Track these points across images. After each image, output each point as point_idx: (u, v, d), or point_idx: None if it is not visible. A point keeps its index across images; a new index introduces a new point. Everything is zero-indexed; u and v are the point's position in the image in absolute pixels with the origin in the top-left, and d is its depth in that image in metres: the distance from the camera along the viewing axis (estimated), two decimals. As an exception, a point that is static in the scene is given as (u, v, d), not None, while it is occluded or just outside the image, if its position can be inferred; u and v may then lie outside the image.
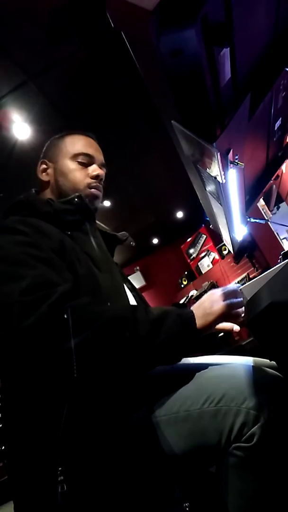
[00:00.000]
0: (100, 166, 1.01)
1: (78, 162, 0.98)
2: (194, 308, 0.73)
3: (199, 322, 0.70)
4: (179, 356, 0.69)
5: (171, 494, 0.60)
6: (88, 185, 0.97)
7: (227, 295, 0.73)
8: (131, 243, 1.08)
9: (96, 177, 0.98)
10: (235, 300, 0.73)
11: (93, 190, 0.98)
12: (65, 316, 0.62)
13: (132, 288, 1.00)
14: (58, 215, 0.87)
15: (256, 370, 0.68)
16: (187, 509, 0.59)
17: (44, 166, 1.00)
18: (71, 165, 0.97)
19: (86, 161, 0.98)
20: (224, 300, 0.73)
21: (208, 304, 0.72)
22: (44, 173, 1.00)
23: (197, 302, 0.74)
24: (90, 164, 0.99)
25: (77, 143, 1.00)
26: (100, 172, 0.99)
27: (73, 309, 0.64)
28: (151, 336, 0.65)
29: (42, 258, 0.72)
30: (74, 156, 0.98)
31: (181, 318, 0.68)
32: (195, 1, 0.82)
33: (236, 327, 0.84)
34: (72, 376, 0.61)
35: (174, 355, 0.68)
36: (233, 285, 0.78)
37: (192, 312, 0.71)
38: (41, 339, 0.61)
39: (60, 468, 0.60)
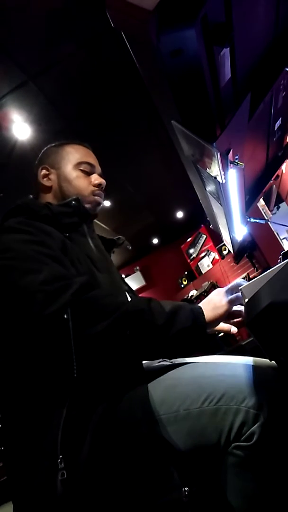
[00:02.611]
0: (100, 175, 1.06)
1: (81, 170, 1.02)
2: (203, 303, 0.78)
3: (208, 315, 0.74)
4: (189, 349, 0.72)
5: (170, 480, 0.60)
6: (92, 192, 1.02)
7: (232, 291, 0.80)
8: (128, 246, 1.10)
9: (98, 185, 1.03)
10: (240, 294, 0.77)
11: (96, 197, 1.03)
12: (89, 304, 0.67)
13: (130, 290, 1.02)
14: (56, 217, 0.88)
15: (256, 369, 0.68)
16: (186, 493, 0.59)
17: (45, 171, 1.02)
18: (74, 172, 1.01)
19: (88, 169, 1.03)
20: (230, 295, 0.79)
21: (218, 299, 0.78)
22: (45, 179, 1.02)
23: (206, 298, 0.80)
24: (91, 172, 1.04)
25: (78, 152, 1.04)
26: (102, 181, 1.04)
27: (95, 298, 0.68)
28: (165, 328, 0.68)
29: (51, 255, 0.75)
30: (78, 164, 1.02)
31: (193, 312, 0.72)
32: (195, 1, 0.82)
33: (234, 329, 0.85)
34: (92, 362, 0.65)
35: (185, 348, 0.72)
36: (238, 280, 0.82)
37: (201, 307, 0.75)
38: (65, 326, 0.63)
39: (61, 456, 0.61)
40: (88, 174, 1.03)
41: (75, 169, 1.01)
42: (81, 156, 1.03)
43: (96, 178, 1.03)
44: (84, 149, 1.06)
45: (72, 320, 0.64)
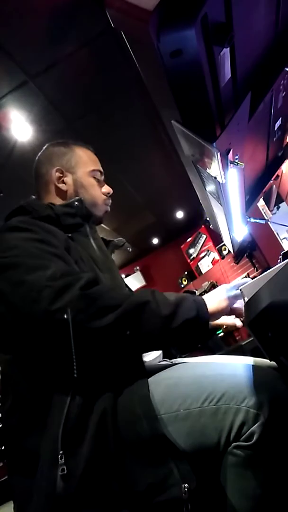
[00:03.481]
0: (107, 183, 1.08)
1: (94, 178, 1.03)
2: (207, 296, 0.78)
3: (211, 307, 0.75)
4: (191, 340, 0.73)
5: (170, 476, 0.61)
6: (104, 201, 1.05)
7: (238, 287, 0.81)
8: (128, 248, 1.11)
9: (108, 194, 1.06)
10: None
11: (107, 206, 1.06)
12: (96, 298, 0.68)
13: (130, 292, 1.02)
14: (59, 218, 0.88)
15: (256, 369, 0.68)
16: (186, 489, 0.59)
17: (59, 174, 1.01)
18: (90, 180, 1.03)
19: (99, 177, 1.05)
20: (236, 289, 0.80)
21: (221, 293, 0.79)
22: (60, 181, 1.00)
23: (211, 292, 0.81)
24: (101, 180, 1.07)
25: (90, 158, 1.05)
26: (111, 190, 1.07)
27: (102, 292, 0.70)
28: (170, 318, 0.69)
29: (55, 253, 0.76)
30: (92, 172, 1.03)
31: (196, 303, 0.73)
32: (195, 1, 0.82)
33: (239, 323, 0.86)
34: (100, 354, 0.67)
35: (187, 338, 0.72)
36: (242, 280, 0.83)
37: (203, 299, 0.76)
38: (73, 320, 0.64)
39: (61, 451, 0.61)
40: (99, 182, 1.05)
41: (90, 176, 1.02)
42: (93, 163, 1.05)
43: (106, 188, 1.06)
44: (92, 155, 1.07)
45: (79, 314, 0.65)
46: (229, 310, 0.79)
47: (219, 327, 0.92)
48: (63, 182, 1.00)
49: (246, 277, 4.41)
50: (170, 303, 0.70)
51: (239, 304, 0.83)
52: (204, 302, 0.75)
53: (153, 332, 0.69)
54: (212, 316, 0.75)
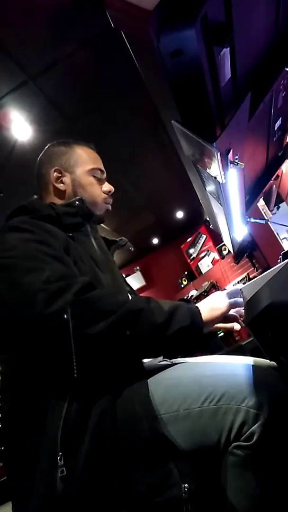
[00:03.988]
0: (108, 181, 1.07)
1: (94, 177, 1.02)
2: (201, 304, 0.78)
3: (206, 315, 0.75)
4: (186, 347, 0.73)
5: (170, 476, 0.61)
6: (104, 200, 1.04)
7: (231, 295, 0.80)
8: (130, 248, 1.10)
9: (108, 192, 1.05)
10: (239, 299, 0.80)
11: (107, 204, 1.05)
12: (90, 304, 0.67)
13: (131, 291, 1.02)
14: (60, 218, 0.88)
15: (256, 369, 0.69)
16: (186, 489, 0.59)
17: (57, 174, 1.01)
18: (89, 179, 1.02)
19: (100, 176, 1.04)
20: (229, 298, 0.79)
21: (215, 301, 0.79)
22: (58, 181, 1.00)
23: (204, 300, 0.80)
24: (102, 179, 1.05)
25: (90, 156, 1.04)
26: (112, 188, 1.06)
27: (96, 298, 0.69)
28: (164, 326, 0.68)
29: (53, 255, 0.75)
30: (91, 170, 1.02)
31: (190, 311, 0.73)
32: (195, 1, 0.82)
33: (237, 326, 0.86)
34: (93, 361, 0.67)
35: (182, 346, 0.73)
36: (234, 287, 0.84)
37: (197, 307, 0.76)
38: (66, 325, 0.64)
39: (60, 453, 0.61)
40: (100, 180, 1.04)
41: (89, 175, 1.01)
42: (93, 162, 1.04)
43: (107, 186, 1.05)
44: (93, 153, 1.06)
45: (72, 320, 0.64)
46: (223, 318, 0.79)
47: (217, 330, 0.92)
48: (62, 182, 1.00)
49: (245, 278, 4.43)
50: (164, 311, 0.70)
51: (233, 311, 0.83)
52: (199, 310, 0.74)
53: (147, 340, 0.69)
54: (206, 324, 0.75)
